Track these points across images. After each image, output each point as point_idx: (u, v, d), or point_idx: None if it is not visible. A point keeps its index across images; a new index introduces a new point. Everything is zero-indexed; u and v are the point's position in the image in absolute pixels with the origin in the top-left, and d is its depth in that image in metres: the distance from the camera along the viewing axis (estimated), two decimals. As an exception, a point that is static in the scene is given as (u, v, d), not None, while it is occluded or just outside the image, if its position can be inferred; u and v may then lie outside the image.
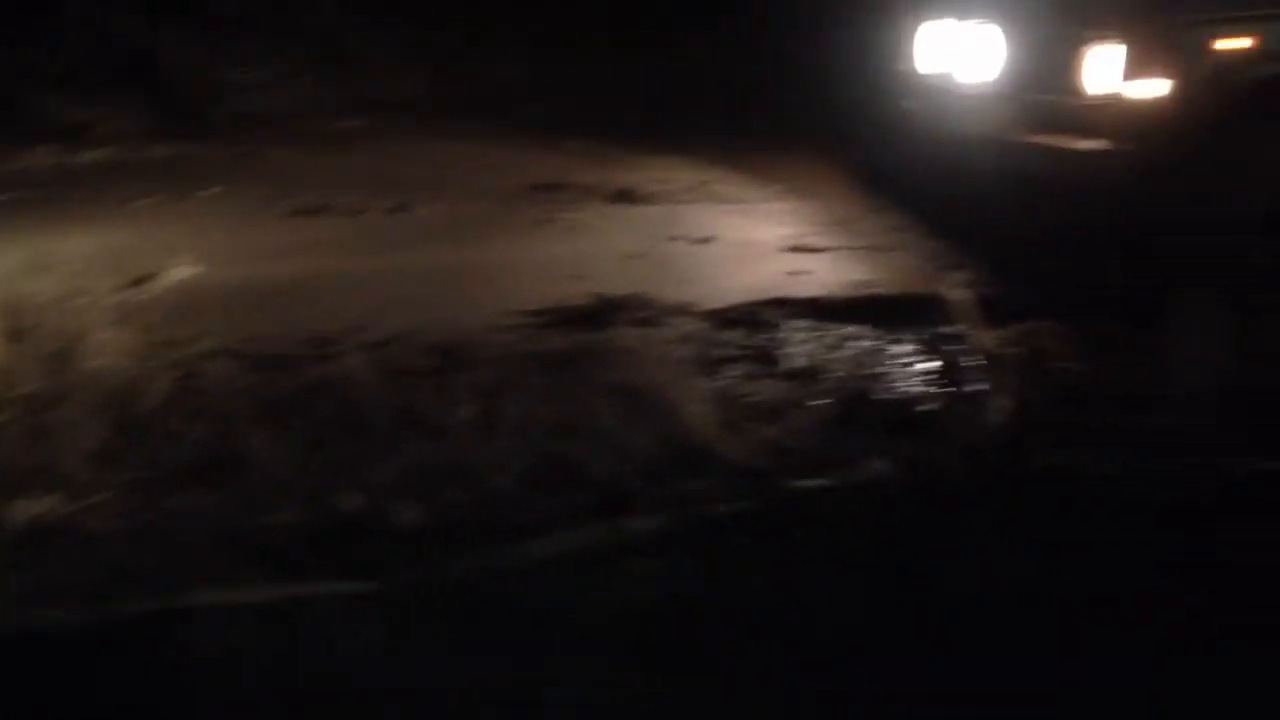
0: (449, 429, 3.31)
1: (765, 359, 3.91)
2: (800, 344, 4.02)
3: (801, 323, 4.17)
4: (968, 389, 3.69)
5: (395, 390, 3.56)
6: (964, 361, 3.85)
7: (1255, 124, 4.07)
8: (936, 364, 3.86)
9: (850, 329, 4.14)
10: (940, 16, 5.02)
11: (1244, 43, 4.06)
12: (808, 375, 3.79)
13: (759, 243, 5.12)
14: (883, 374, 3.80)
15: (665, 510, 2.93)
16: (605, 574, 2.71)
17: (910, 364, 3.88)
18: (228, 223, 5.51)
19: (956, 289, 4.28)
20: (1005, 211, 4.71)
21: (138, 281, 4.53)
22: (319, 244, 5.18)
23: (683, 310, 4.25)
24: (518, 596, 2.63)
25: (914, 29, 5.18)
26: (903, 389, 3.72)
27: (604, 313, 4.21)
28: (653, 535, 2.86)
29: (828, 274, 4.69)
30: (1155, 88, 4.07)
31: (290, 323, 4.12)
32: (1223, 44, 4.06)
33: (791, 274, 4.70)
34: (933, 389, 3.71)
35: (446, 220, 5.52)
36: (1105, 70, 4.17)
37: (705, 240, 5.13)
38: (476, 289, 4.55)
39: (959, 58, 4.84)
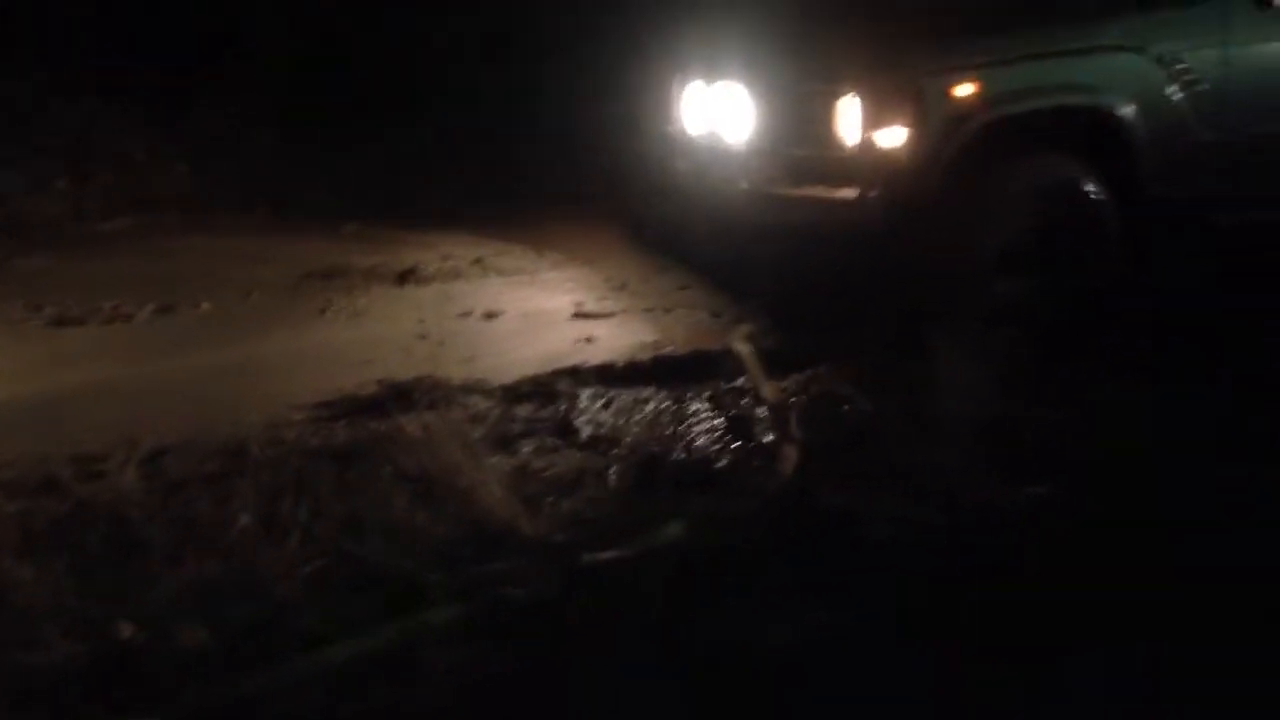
0: (230, 539, 3.15)
1: (559, 430, 3.89)
2: (593, 412, 4.03)
3: (593, 390, 4.18)
4: (757, 441, 3.76)
5: (171, 504, 3.36)
6: (752, 414, 3.93)
7: (983, 167, 4.33)
8: (726, 419, 3.92)
9: (641, 392, 4.17)
10: (699, 78, 5.16)
11: (970, 89, 4.32)
12: (602, 443, 3.79)
13: (546, 313, 5.12)
14: (675, 434, 3.84)
15: (461, 599, 2.86)
16: (403, 672, 2.61)
17: (701, 421, 3.93)
18: (-21, 340, 5.16)
19: (740, 343, 4.37)
20: (777, 263, 4.85)
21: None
22: (83, 355, 4.89)
23: (473, 388, 4.19)
24: (310, 708, 2.50)
25: (680, 91, 5.31)
26: (696, 447, 3.76)
27: (392, 399, 4.11)
28: (450, 626, 2.77)
29: (615, 339, 4.72)
30: (896, 136, 4.30)
31: (55, 441, 3.85)
32: (952, 93, 4.31)
33: (580, 342, 4.71)
34: (724, 444, 3.77)
35: (221, 318, 5.30)
36: (851, 122, 4.37)
37: (491, 315, 5.10)
38: (256, 386, 4.38)
39: (719, 117, 4.99)
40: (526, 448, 3.78)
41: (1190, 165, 4.59)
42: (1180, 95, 4.54)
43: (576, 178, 6.80)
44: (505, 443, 3.78)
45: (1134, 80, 4.49)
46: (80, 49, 7.88)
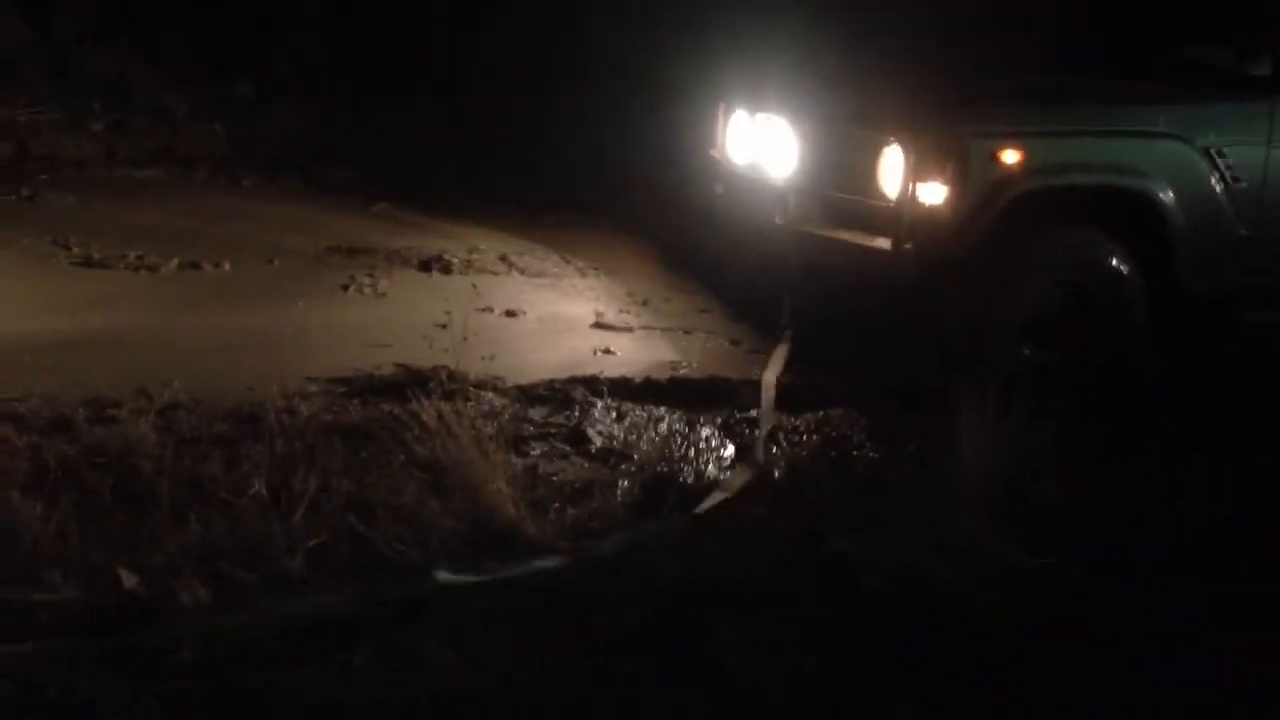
0: (239, 504, 3.15)
1: (571, 438, 3.91)
2: (606, 424, 4.05)
3: (607, 402, 4.19)
4: (767, 474, 3.77)
5: (181, 460, 3.36)
6: (763, 446, 3.94)
7: (1020, 233, 4.37)
8: (737, 448, 3.94)
9: (655, 410, 4.19)
10: (745, 108, 5.19)
11: (1015, 156, 4.36)
12: (613, 456, 3.81)
13: (567, 318, 5.14)
14: (685, 457, 3.85)
15: (457, 595, 2.86)
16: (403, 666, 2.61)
17: (712, 448, 3.94)
18: (6, 270, 5.17)
19: (758, 374, 4.39)
20: (804, 300, 4.87)
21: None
22: (105, 299, 4.91)
23: (490, 385, 4.20)
24: (303, 691, 2.50)
25: (725, 117, 5.34)
26: (704, 473, 3.77)
27: (408, 384, 4.12)
28: (450, 621, 2.78)
29: (633, 353, 4.75)
30: (937, 192, 4.33)
31: (72, 382, 3.87)
32: (997, 157, 4.35)
33: (599, 352, 4.73)
34: (732, 473, 3.78)
35: (242, 281, 5.32)
36: (893, 172, 4.40)
37: (513, 314, 5.12)
38: (273, 354, 4.40)
39: (760, 148, 5.02)
40: (537, 450, 3.80)
41: (1223, 258, 4.62)
42: (1221, 189, 4.57)
43: (611, 190, 6.83)
44: (517, 443, 3.80)
45: (1178, 169, 4.52)
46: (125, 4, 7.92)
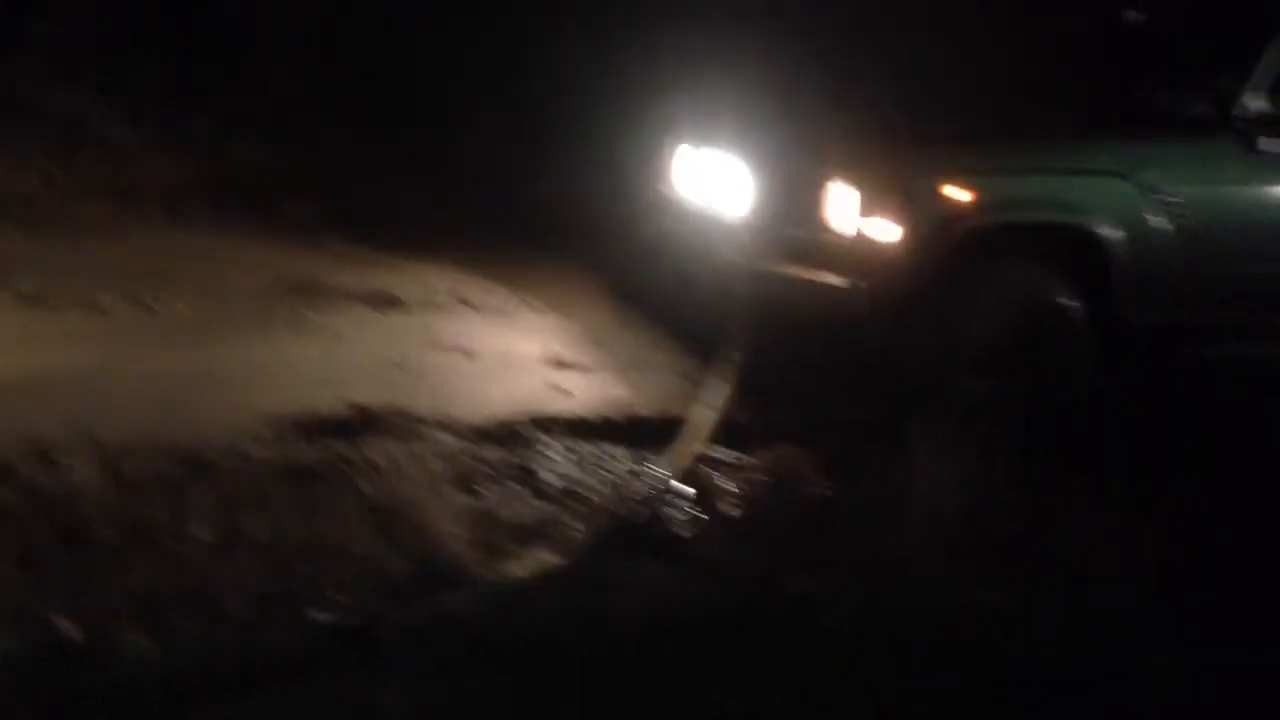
0: (184, 550, 3.11)
1: (524, 478, 3.89)
2: (559, 463, 4.03)
3: (561, 441, 4.18)
4: (723, 513, 3.78)
5: (127, 506, 3.31)
6: (719, 485, 3.95)
7: (967, 269, 4.43)
8: (692, 487, 3.93)
9: (610, 448, 4.18)
10: (694, 142, 5.23)
11: (963, 194, 4.44)
12: (566, 496, 3.80)
13: (520, 356, 5.12)
14: (640, 495, 3.84)
15: (410, 638, 2.84)
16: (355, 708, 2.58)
17: (668, 486, 3.93)
18: (-60, 308, 5.09)
19: (712, 412, 4.40)
20: (757, 337, 4.88)
21: None
22: (51, 338, 4.83)
23: (443, 425, 4.17)
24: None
25: (672, 152, 5.37)
26: (659, 512, 3.76)
27: (360, 424, 4.09)
28: (399, 664, 2.75)
29: (587, 391, 4.73)
30: (889, 230, 4.38)
31: (14, 424, 3.79)
32: (946, 194, 4.42)
33: (552, 390, 4.72)
34: (689, 513, 3.78)
35: (191, 318, 5.25)
36: (844, 209, 4.45)
37: (466, 351, 5.09)
38: (223, 394, 4.34)
39: (710, 183, 5.06)
40: (490, 491, 3.78)
41: (1164, 294, 4.70)
42: (1162, 225, 4.66)
43: (566, 227, 6.83)
44: (470, 483, 3.78)
45: (1119, 206, 4.61)
46: (82, 39, 7.84)
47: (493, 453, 4.04)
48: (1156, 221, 4.65)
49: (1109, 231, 4.58)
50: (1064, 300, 4.59)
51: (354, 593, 3.03)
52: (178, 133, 7.71)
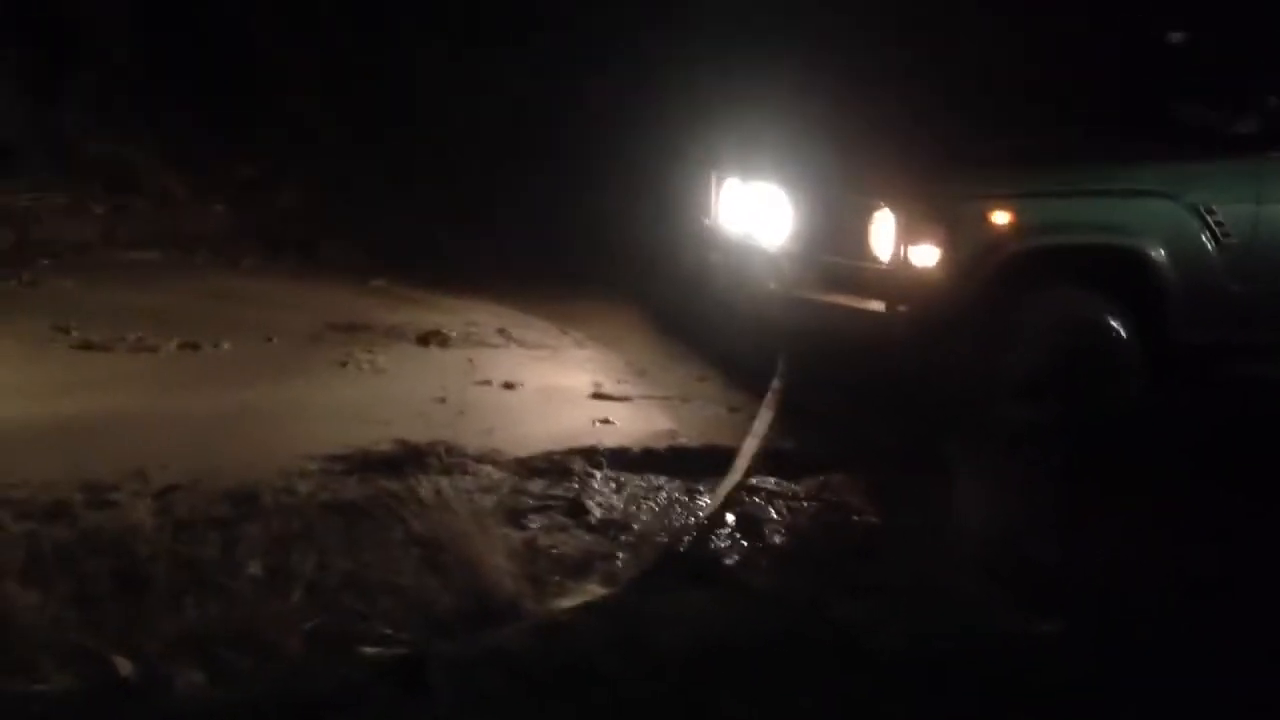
0: (235, 586, 3.14)
1: (570, 510, 3.89)
2: (605, 494, 4.04)
3: (606, 473, 4.18)
4: (768, 541, 3.76)
5: (179, 543, 3.36)
6: (764, 514, 3.93)
7: (1012, 294, 4.39)
8: (736, 516, 3.92)
9: (654, 479, 4.18)
10: (738, 175, 5.25)
11: (1005, 218, 4.41)
12: (612, 527, 3.80)
13: (564, 390, 5.14)
14: (685, 526, 3.83)
15: (456, 671, 2.84)
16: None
17: (712, 515, 3.92)
18: (6, 354, 5.19)
19: (756, 441, 4.39)
20: (801, 364, 4.87)
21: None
22: (104, 381, 4.92)
23: (488, 458, 4.20)
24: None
25: (716, 186, 5.39)
26: (705, 541, 3.75)
27: (406, 460, 4.12)
28: (445, 698, 2.75)
29: (632, 423, 4.74)
30: (929, 255, 4.36)
31: (69, 466, 3.86)
32: (988, 219, 4.39)
33: (597, 422, 4.72)
34: (734, 541, 3.76)
35: (241, 360, 5.34)
36: (885, 236, 4.45)
37: (511, 386, 5.12)
38: (271, 433, 4.39)
39: (753, 215, 5.06)
40: (536, 523, 3.79)
41: (1214, 312, 4.64)
42: (1210, 245, 4.60)
43: (607, 260, 6.87)
44: (516, 516, 3.79)
45: (1167, 226, 4.56)
46: (122, 85, 8.03)
47: (538, 486, 4.05)
48: (1205, 241, 4.60)
49: (1157, 252, 4.53)
50: (1112, 323, 4.54)
51: (401, 627, 3.04)
52: (221, 180, 7.86)
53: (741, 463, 4.15)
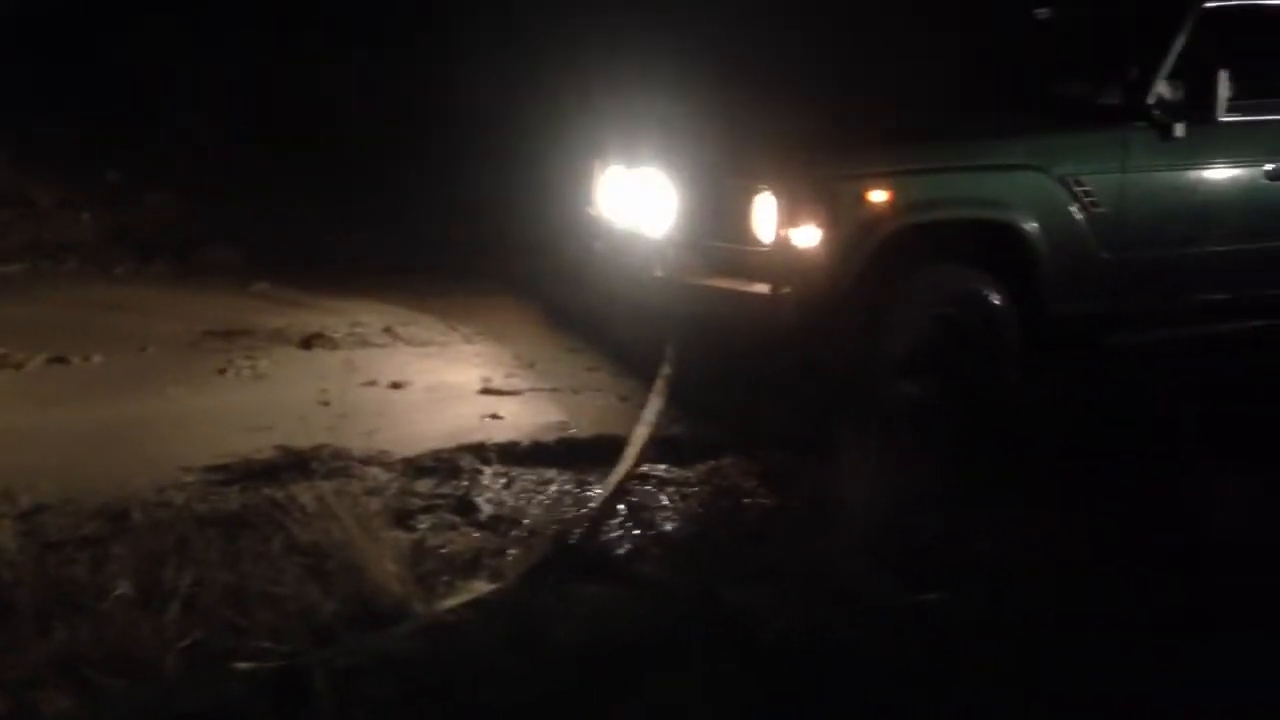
0: (106, 607, 3.01)
1: (459, 508, 3.83)
2: (495, 491, 3.98)
3: (496, 468, 4.12)
4: (659, 529, 3.74)
5: (45, 565, 3.22)
6: (655, 502, 3.91)
7: (891, 271, 4.43)
8: (628, 505, 3.89)
9: (544, 473, 4.14)
10: (620, 162, 5.21)
11: (882, 196, 4.44)
12: (502, 523, 3.75)
13: (453, 386, 5.06)
14: (576, 519, 3.79)
15: (340, 680, 2.76)
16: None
17: (603, 506, 3.88)
18: None
19: (647, 429, 4.36)
20: (688, 350, 4.86)
21: None
22: (-35, 400, 4.71)
23: (373, 460, 4.11)
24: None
25: (599, 173, 5.35)
26: (596, 532, 3.71)
27: (289, 466, 4.02)
28: (328, 708, 2.68)
29: (521, 417, 4.68)
30: (810, 236, 4.38)
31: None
32: (865, 198, 4.42)
33: (486, 418, 4.66)
34: (625, 532, 3.73)
35: (114, 372, 5.15)
36: (766, 218, 4.45)
37: (397, 385, 5.02)
38: (147, 446, 4.25)
39: (636, 202, 5.04)
40: (424, 524, 3.71)
41: (1088, 283, 4.74)
42: (1080, 216, 4.70)
43: (495, 253, 6.80)
44: (403, 517, 3.71)
45: (1038, 199, 4.64)
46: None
47: (426, 485, 3.98)
48: (1076, 212, 4.69)
49: (1030, 225, 4.61)
50: (989, 296, 4.61)
51: (281, 638, 2.94)
52: (91, 188, 7.60)
53: (632, 451, 4.12)
